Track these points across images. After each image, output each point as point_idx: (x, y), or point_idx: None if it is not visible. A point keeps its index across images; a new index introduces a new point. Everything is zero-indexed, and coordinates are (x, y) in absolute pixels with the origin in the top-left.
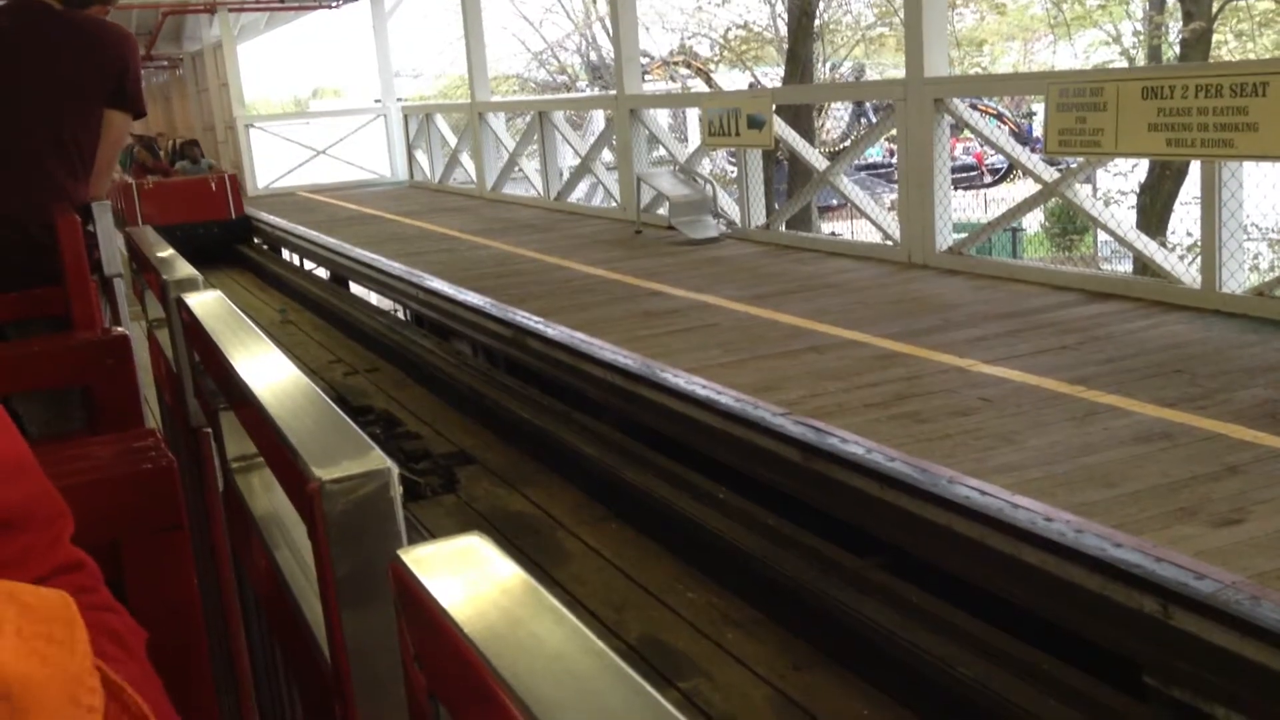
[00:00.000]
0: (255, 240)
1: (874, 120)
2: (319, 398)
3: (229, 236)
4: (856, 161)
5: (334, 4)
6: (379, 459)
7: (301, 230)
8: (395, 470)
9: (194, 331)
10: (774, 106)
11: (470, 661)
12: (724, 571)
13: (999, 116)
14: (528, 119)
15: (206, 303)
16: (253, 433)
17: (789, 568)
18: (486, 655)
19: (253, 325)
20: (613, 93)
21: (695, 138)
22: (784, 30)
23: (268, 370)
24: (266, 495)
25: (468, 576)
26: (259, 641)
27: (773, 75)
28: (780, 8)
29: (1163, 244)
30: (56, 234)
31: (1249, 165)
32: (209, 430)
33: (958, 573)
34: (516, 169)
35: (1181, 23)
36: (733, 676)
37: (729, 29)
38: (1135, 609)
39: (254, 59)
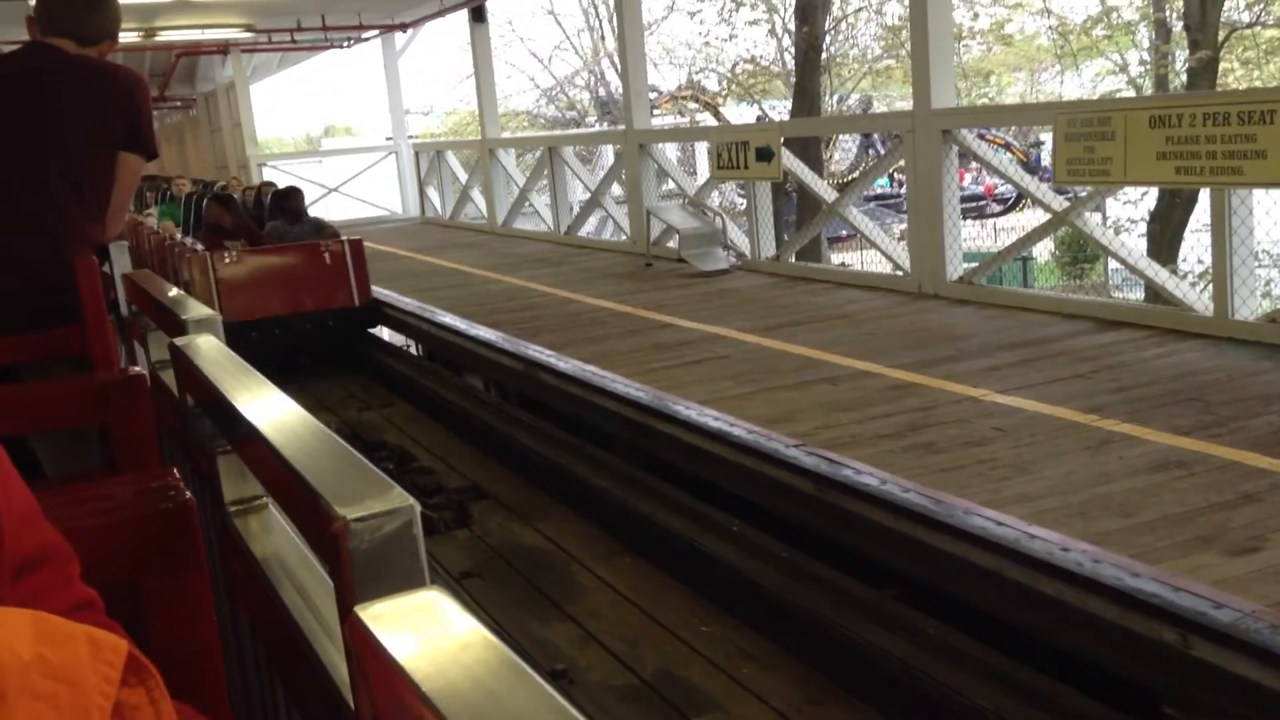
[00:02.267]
0: (374, 331)
1: (882, 151)
2: (331, 437)
3: (350, 332)
4: (865, 192)
5: (345, 44)
6: (401, 497)
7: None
8: (418, 508)
9: (193, 374)
10: (782, 139)
11: None
12: (739, 604)
13: (1007, 146)
14: (538, 154)
15: (207, 345)
16: (263, 474)
17: (804, 600)
18: (446, 715)
19: (252, 369)
20: (622, 128)
21: (704, 171)
22: (791, 64)
23: (275, 411)
24: (266, 537)
25: (426, 633)
26: (255, 676)
27: (780, 108)
28: (787, 42)
29: (1174, 272)
30: (73, 275)
31: (1258, 192)
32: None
33: (974, 604)
34: (527, 204)
35: (1188, 51)
36: (749, 711)
37: (736, 63)
38: (1154, 639)
39: (266, 98)
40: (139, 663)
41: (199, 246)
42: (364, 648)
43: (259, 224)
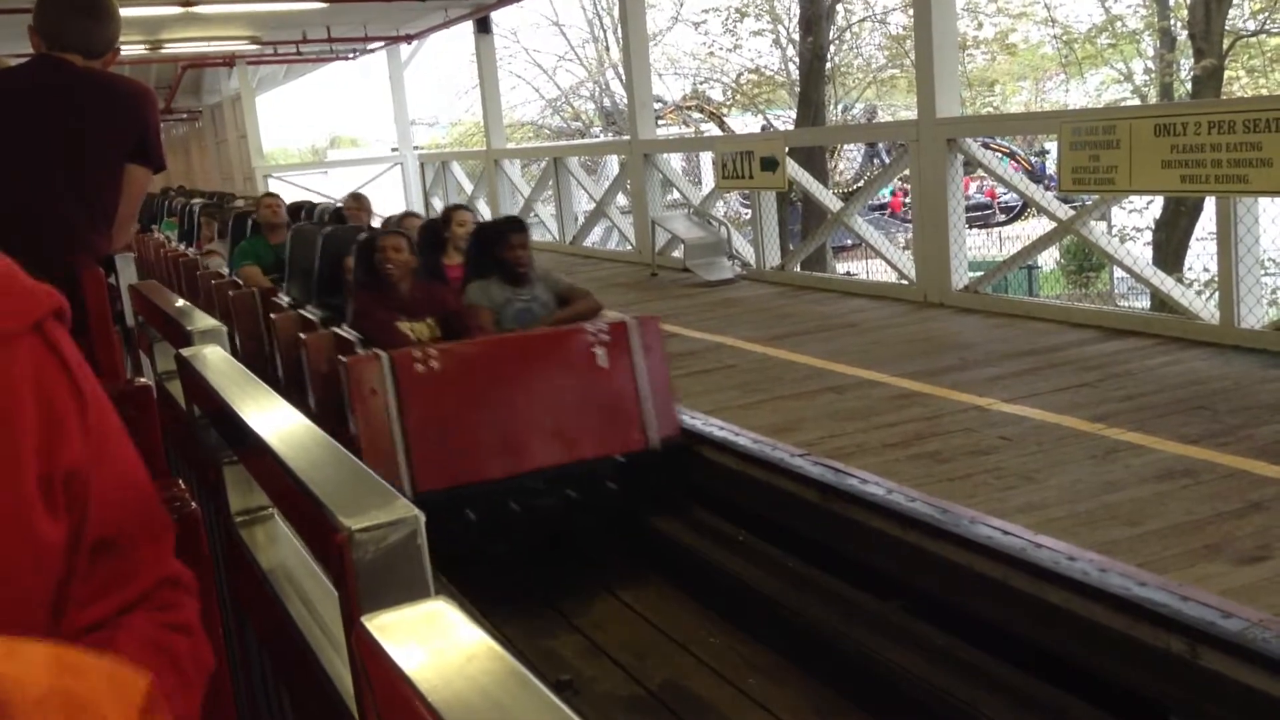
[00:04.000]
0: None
1: (887, 161)
2: (336, 449)
3: (639, 492)
4: (870, 201)
5: (351, 55)
6: (405, 507)
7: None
8: (422, 518)
9: (200, 384)
10: (787, 149)
11: None
12: (746, 616)
13: (1011, 155)
14: (542, 165)
15: (214, 356)
16: (269, 485)
17: (811, 612)
18: None
19: (258, 379)
20: (626, 138)
21: (709, 181)
22: (796, 74)
23: (281, 422)
24: (272, 548)
25: (433, 643)
26: (260, 687)
27: (785, 118)
28: (791, 52)
29: (1180, 280)
30: (79, 286)
31: (1264, 200)
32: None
33: (981, 614)
34: (532, 214)
35: (1193, 60)
36: None
37: (741, 73)
38: (1162, 649)
39: (272, 110)
40: (158, 700)
41: (346, 331)
42: (370, 658)
43: (450, 282)
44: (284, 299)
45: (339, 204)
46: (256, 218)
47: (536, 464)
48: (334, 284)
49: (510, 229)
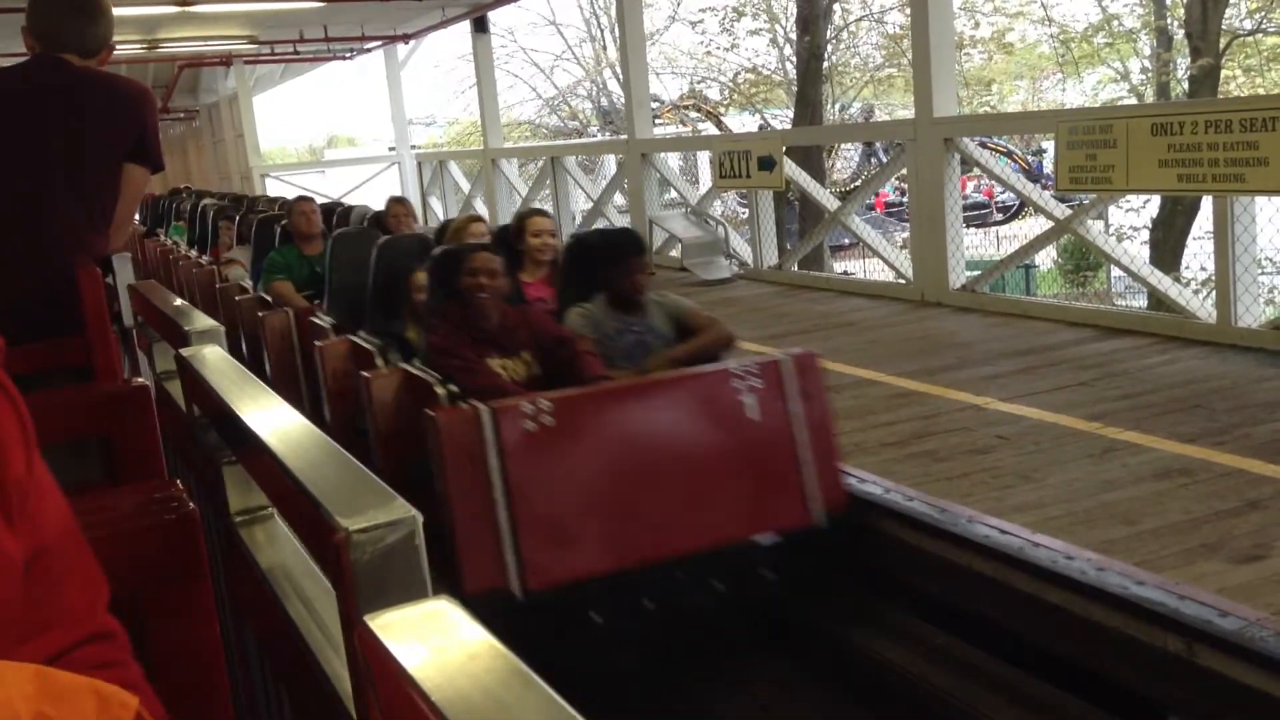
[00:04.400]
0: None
1: (884, 160)
2: (335, 449)
3: (802, 582)
4: (868, 200)
5: (348, 55)
6: (403, 507)
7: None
8: (420, 519)
9: (199, 385)
10: (784, 148)
11: None
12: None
13: (1009, 154)
14: (540, 164)
15: (213, 356)
16: (267, 485)
17: (810, 611)
18: None
19: (257, 379)
20: (624, 137)
21: (706, 180)
22: (793, 73)
23: (280, 422)
24: (271, 548)
25: (435, 642)
26: (259, 687)
27: (782, 117)
28: (789, 51)
29: (1177, 279)
30: (76, 286)
31: (1261, 199)
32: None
33: (979, 613)
34: None
35: (1189, 59)
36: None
37: (738, 73)
38: (1159, 648)
39: (269, 109)
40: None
41: (419, 369)
42: (373, 657)
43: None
44: (324, 321)
45: (344, 204)
46: (288, 225)
47: (675, 549)
48: (393, 306)
49: (630, 249)
